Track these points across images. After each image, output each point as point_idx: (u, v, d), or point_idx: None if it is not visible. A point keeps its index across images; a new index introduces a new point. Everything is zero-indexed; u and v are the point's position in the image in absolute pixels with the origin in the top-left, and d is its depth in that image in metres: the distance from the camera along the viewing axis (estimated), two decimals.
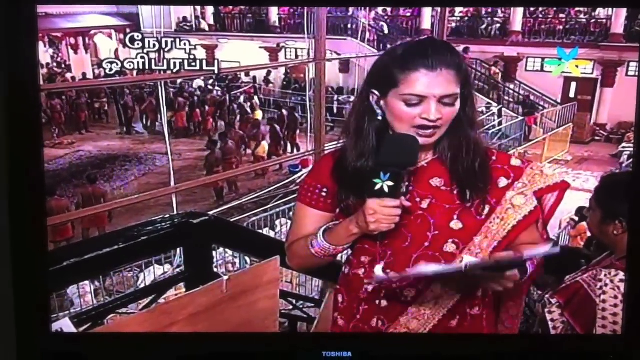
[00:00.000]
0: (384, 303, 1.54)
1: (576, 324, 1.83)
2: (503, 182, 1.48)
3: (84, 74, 15.73)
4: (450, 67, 1.35)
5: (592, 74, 14.38)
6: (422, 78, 1.35)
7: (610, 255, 1.92)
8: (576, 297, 1.84)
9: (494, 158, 1.50)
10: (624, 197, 1.84)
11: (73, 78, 15.27)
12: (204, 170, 10.96)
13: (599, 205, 1.89)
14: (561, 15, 14.59)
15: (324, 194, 1.53)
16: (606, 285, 1.77)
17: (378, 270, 1.43)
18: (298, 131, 13.15)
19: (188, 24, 16.74)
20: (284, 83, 16.46)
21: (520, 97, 14.36)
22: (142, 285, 5.30)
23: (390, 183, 1.31)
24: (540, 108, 14.20)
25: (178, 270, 5.10)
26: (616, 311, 1.76)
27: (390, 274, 1.43)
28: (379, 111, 1.44)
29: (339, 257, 1.60)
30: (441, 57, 1.36)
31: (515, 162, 1.51)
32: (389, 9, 15.67)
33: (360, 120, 1.48)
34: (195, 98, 14.74)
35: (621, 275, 1.76)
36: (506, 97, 14.61)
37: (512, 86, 14.80)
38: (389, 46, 14.58)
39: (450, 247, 1.46)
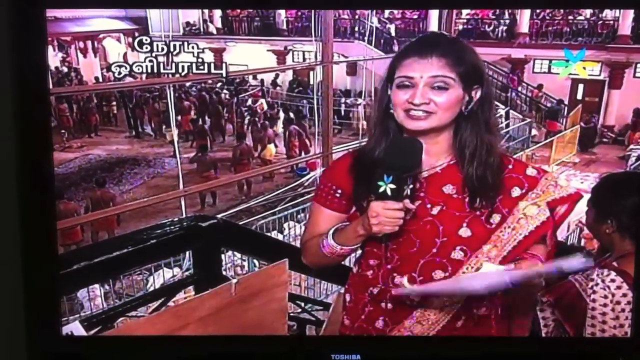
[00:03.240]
0: (389, 305, 1.55)
1: (567, 323, 1.83)
2: (516, 191, 1.49)
3: (97, 78, 15.80)
4: (443, 56, 1.38)
5: (599, 75, 14.32)
6: (413, 63, 1.39)
7: (609, 255, 1.91)
8: (567, 296, 1.83)
9: (510, 166, 1.50)
10: (615, 195, 1.84)
11: (81, 81, 15.36)
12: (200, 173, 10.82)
13: (593, 204, 1.89)
14: (569, 17, 14.53)
15: (338, 194, 1.54)
16: (597, 285, 1.76)
17: (405, 284, 1.46)
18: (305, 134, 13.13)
19: (194, 28, 16.79)
20: (293, 86, 16.47)
21: (554, 102, 14.31)
22: (152, 289, 5.31)
23: (393, 186, 1.32)
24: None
25: (187, 273, 5.11)
26: (605, 311, 1.75)
27: (415, 287, 1.45)
28: (391, 105, 1.46)
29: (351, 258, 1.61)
30: (435, 46, 1.40)
31: (530, 171, 1.51)
32: (395, 12, 15.66)
33: (379, 115, 1.50)
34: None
35: (612, 275, 1.76)
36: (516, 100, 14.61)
37: (519, 88, 14.77)
38: (395, 48, 14.64)
39: (457, 254, 1.47)
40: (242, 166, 11.00)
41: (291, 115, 13.64)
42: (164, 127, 13.30)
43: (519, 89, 14.57)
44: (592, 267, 1.86)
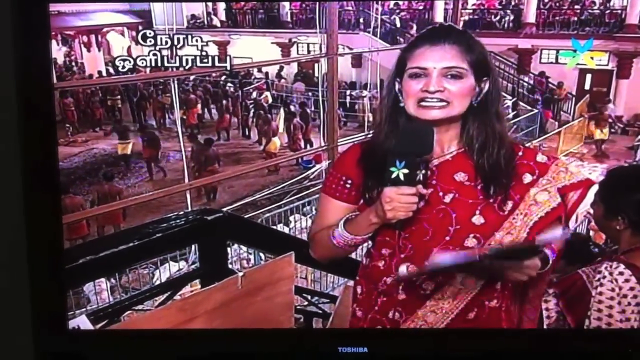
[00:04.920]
0: (402, 296, 1.55)
1: (569, 314, 1.82)
2: (528, 178, 1.49)
3: (100, 72, 15.78)
4: (455, 44, 1.40)
5: (607, 65, 14.22)
6: (425, 52, 1.40)
7: (616, 249, 1.90)
8: (573, 287, 1.82)
9: (520, 154, 1.51)
10: (626, 191, 1.82)
11: (90, 76, 15.35)
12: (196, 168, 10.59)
13: (601, 200, 1.87)
14: (575, 6, 14.44)
15: (347, 185, 1.54)
16: (604, 277, 1.75)
17: (402, 269, 1.46)
18: (310, 126, 13.10)
19: (199, 21, 16.75)
20: (298, 78, 16.43)
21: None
22: (158, 282, 5.32)
23: (406, 171, 1.33)
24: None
25: (193, 267, 5.12)
26: (612, 304, 1.74)
27: (410, 269, 1.46)
28: (401, 98, 1.46)
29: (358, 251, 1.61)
30: (445, 35, 1.41)
31: (541, 158, 1.52)
32: (400, 2, 15.60)
33: (387, 109, 1.50)
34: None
35: (621, 268, 1.74)
36: (521, 90, 14.54)
37: (526, 78, 14.71)
38: (401, 40, 14.59)
39: (471, 241, 1.47)
40: (208, 173, 10.37)
41: (292, 108, 13.59)
42: (119, 140, 12.10)
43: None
44: (601, 260, 1.85)
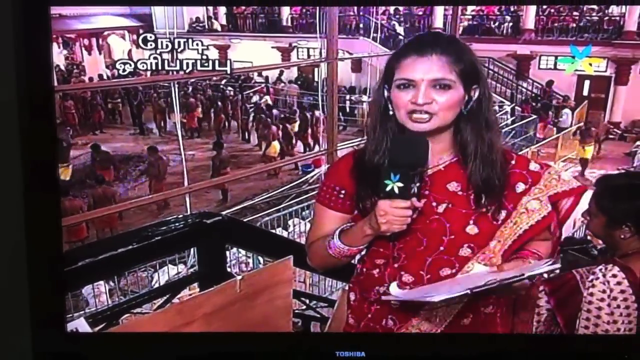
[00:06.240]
0: (396, 304, 1.53)
1: (559, 314, 1.82)
2: (521, 187, 1.48)
3: (100, 76, 15.82)
4: (443, 53, 1.37)
5: (605, 71, 14.28)
6: (412, 63, 1.38)
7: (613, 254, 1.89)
8: (565, 287, 1.81)
9: (512, 162, 1.50)
10: (630, 200, 1.81)
11: (91, 79, 15.37)
12: (211, 171, 10.85)
13: (601, 211, 1.86)
14: (574, 13, 14.49)
15: (341, 195, 1.53)
16: (597, 278, 1.75)
17: (393, 287, 1.46)
18: (310, 131, 13.13)
19: (200, 25, 16.80)
20: (298, 83, 16.46)
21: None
22: (157, 285, 5.32)
23: (400, 184, 1.31)
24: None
25: (192, 270, 5.12)
26: (601, 305, 1.73)
27: (404, 292, 1.45)
28: (390, 106, 1.44)
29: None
30: (433, 44, 1.38)
31: (533, 166, 1.51)
32: (400, 8, 15.64)
33: (377, 117, 1.49)
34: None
35: (615, 270, 1.74)
36: (519, 96, 14.58)
37: (525, 84, 14.76)
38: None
39: (465, 251, 1.46)
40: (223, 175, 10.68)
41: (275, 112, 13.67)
42: (60, 166, 10.96)
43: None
44: (598, 263, 1.85)
